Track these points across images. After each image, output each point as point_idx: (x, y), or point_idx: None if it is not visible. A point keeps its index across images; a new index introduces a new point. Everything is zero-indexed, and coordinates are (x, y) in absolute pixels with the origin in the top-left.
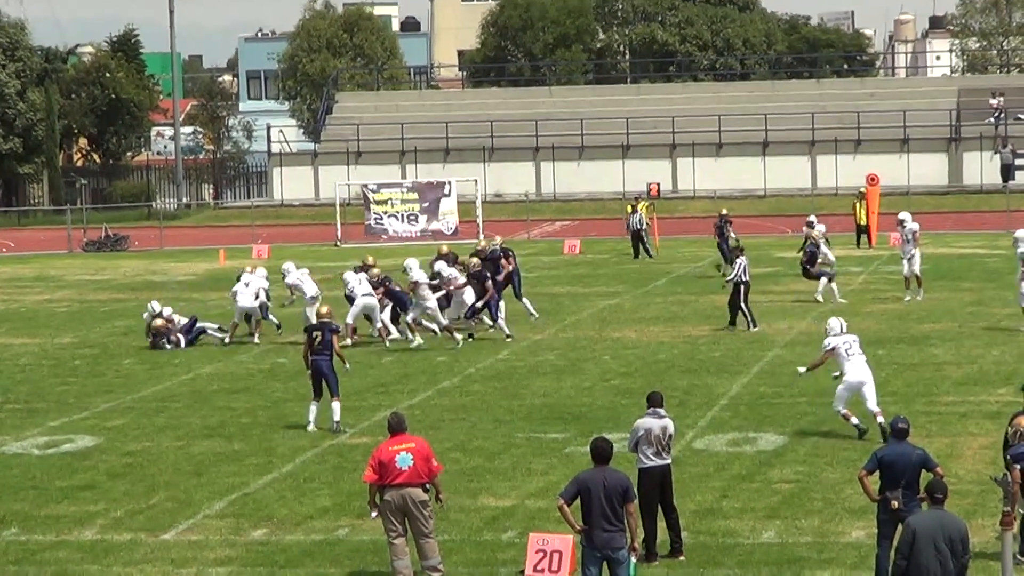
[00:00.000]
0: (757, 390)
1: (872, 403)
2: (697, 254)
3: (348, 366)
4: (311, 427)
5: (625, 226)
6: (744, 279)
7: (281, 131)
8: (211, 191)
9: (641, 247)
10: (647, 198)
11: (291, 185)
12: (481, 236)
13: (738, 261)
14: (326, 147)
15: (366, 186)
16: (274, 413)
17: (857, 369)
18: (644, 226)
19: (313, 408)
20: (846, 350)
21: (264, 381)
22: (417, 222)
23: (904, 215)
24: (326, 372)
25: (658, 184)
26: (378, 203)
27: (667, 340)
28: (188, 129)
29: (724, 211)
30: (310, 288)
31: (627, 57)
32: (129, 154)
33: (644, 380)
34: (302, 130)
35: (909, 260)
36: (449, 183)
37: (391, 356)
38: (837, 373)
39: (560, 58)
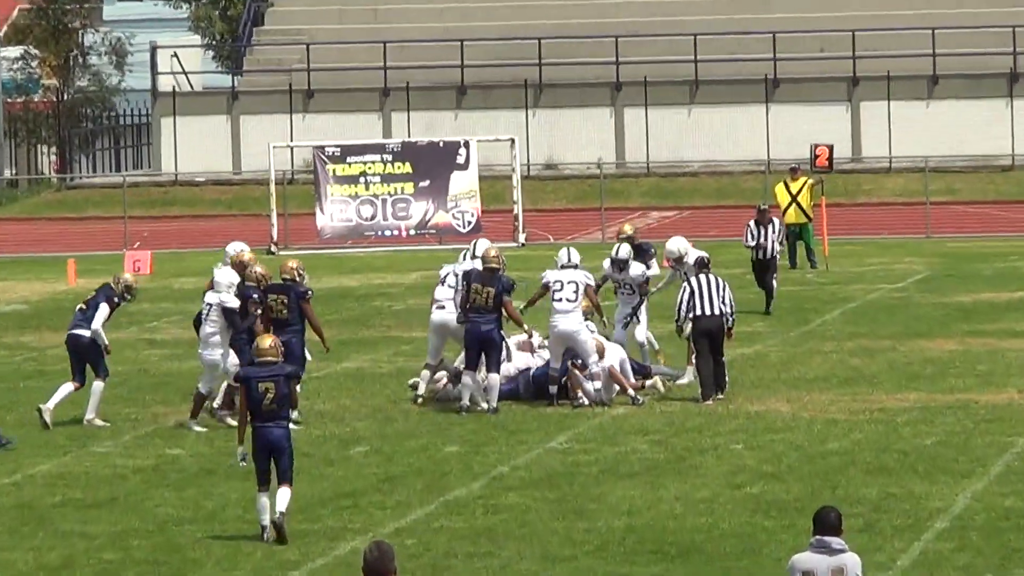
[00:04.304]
0: (1000, 503)
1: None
2: (892, 268)
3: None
4: (267, 535)
5: (747, 238)
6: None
7: (175, 55)
8: (54, 159)
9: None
10: (812, 170)
11: (193, 148)
12: (521, 235)
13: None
14: (252, 83)
15: (321, 149)
16: (160, 543)
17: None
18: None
19: (264, 504)
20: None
21: (143, 487)
22: (409, 213)
23: None
24: (283, 445)
25: (829, 147)
26: (341, 180)
27: (842, 416)
28: (14, 51)
29: None
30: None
31: None
32: None
33: (802, 486)
34: (212, 54)
35: None
36: (466, 144)
37: (364, 446)
38: None
39: None
